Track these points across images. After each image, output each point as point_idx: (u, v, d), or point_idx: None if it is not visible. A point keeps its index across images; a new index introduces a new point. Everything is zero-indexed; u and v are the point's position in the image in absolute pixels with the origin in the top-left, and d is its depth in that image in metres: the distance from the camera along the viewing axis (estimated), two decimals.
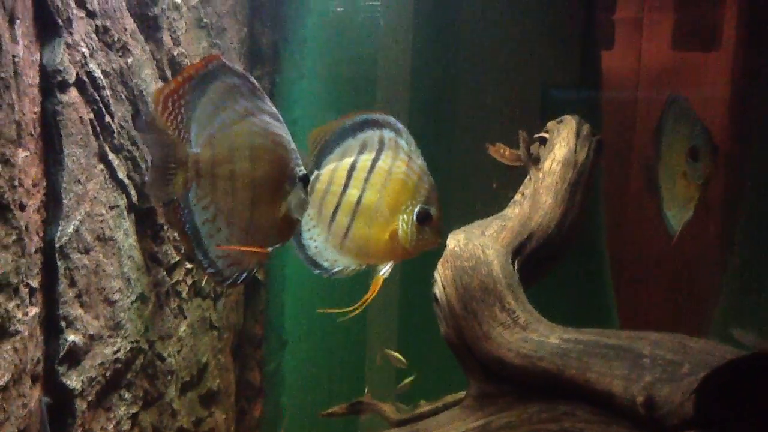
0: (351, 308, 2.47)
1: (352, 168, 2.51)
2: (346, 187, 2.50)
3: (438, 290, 2.63)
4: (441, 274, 2.64)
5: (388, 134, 2.49)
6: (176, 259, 3.30)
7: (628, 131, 4.94)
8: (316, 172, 2.57)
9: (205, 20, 3.53)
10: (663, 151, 3.23)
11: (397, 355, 4.05)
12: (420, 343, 4.51)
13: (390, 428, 2.91)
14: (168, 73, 3.26)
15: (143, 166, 3.06)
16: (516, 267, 2.69)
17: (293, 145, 2.36)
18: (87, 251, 2.69)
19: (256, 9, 4.13)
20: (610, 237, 4.58)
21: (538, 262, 2.91)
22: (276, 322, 4.39)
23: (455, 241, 2.69)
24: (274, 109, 2.35)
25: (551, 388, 2.24)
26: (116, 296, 2.84)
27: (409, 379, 4.07)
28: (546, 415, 2.21)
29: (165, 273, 3.24)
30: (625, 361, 2.08)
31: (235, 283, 2.26)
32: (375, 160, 2.48)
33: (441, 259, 2.68)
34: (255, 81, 2.35)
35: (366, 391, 3.22)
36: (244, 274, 2.19)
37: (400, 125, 2.50)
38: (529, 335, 2.39)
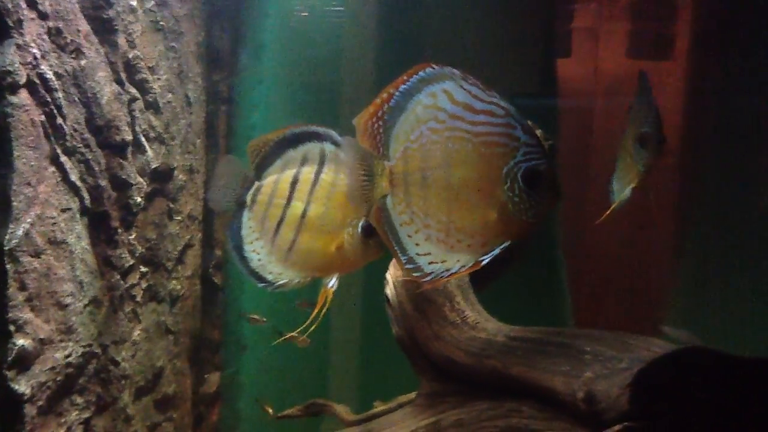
0: (304, 326, 2.48)
1: (295, 180, 2.51)
2: (289, 199, 2.50)
3: (389, 291, 2.66)
4: (393, 275, 2.67)
5: (329, 147, 2.51)
6: (131, 263, 3.28)
7: (585, 137, 5.02)
8: (257, 183, 2.56)
9: (161, 23, 3.53)
10: (629, 125, 3.29)
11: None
12: (383, 345, 4.53)
13: (344, 428, 2.93)
14: (123, 75, 3.25)
15: (97, 168, 3.04)
16: None
17: (515, 142, 2.14)
18: (38, 254, 2.67)
19: (214, 13, 4.12)
20: (565, 240, 4.66)
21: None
22: (234, 326, 4.37)
23: None
24: (499, 101, 2.17)
25: (499, 385, 2.29)
26: (68, 300, 2.81)
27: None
28: (493, 412, 2.26)
29: (119, 277, 3.22)
30: (567, 358, 2.13)
31: (437, 279, 2.23)
32: (318, 173, 2.48)
33: (393, 260, 2.71)
34: (474, 81, 2.19)
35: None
36: (447, 272, 2.17)
37: (340, 138, 2.51)
38: (478, 334, 2.43)
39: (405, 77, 2.19)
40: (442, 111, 2.11)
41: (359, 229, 2.44)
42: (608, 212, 3.10)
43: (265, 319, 3.72)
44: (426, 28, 4.80)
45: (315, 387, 4.53)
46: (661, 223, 4.55)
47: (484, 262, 2.12)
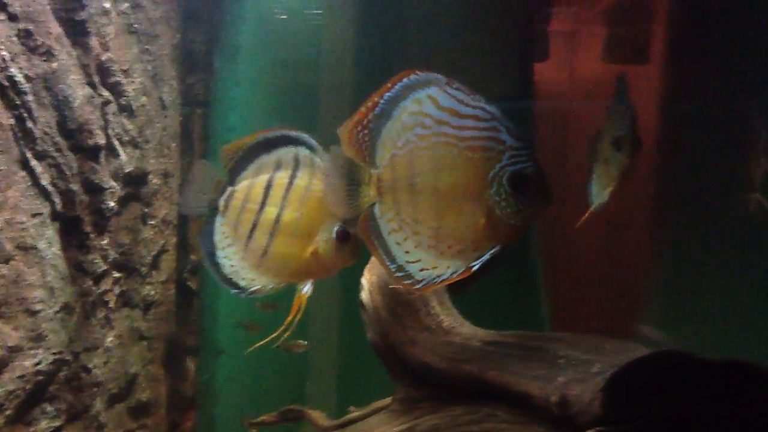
0: (278, 332, 2.45)
1: (269, 185, 2.48)
2: (263, 204, 2.48)
3: (365, 296, 2.64)
4: (368, 279, 2.65)
5: (303, 151, 2.48)
6: (103, 268, 3.24)
7: (561, 140, 5.05)
8: (230, 189, 2.53)
9: (135, 26, 3.49)
10: (606, 129, 3.30)
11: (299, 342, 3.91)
12: (360, 350, 4.51)
13: None
14: (96, 78, 3.20)
15: (68, 173, 3.00)
16: None
17: (501, 146, 2.12)
18: (7, 260, 2.63)
19: (190, 15, 4.09)
20: (542, 243, 4.68)
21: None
22: (210, 331, 4.33)
23: None
24: (484, 105, 2.14)
25: (474, 390, 2.28)
26: (38, 306, 2.77)
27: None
28: (468, 417, 2.25)
29: (92, 282, 3.17)
30: (542, 362, 2.13)
31: (428, 286, 2.21)
32: (292, 178, 2.46)
33: (368, 265, 2.69)
34: (458, 85, 2.17)
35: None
36: (438, 279, 2.15)
37: (315, 142, 2.48)
38: (453, 339, 2.42)
39: (390, 84, 2.18)
40: (428, 117, 2.11)
41: (334, 234, 2.42)
42: (586, 215, 3.11)
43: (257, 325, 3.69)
44: (403, 31, 4.80)
45: (291, 393, 4.50)
46: (637, 225, 4.59)
47: (474, 268, 2.11)
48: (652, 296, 4.63)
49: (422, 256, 2.13)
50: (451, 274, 2.11)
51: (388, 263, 2.15)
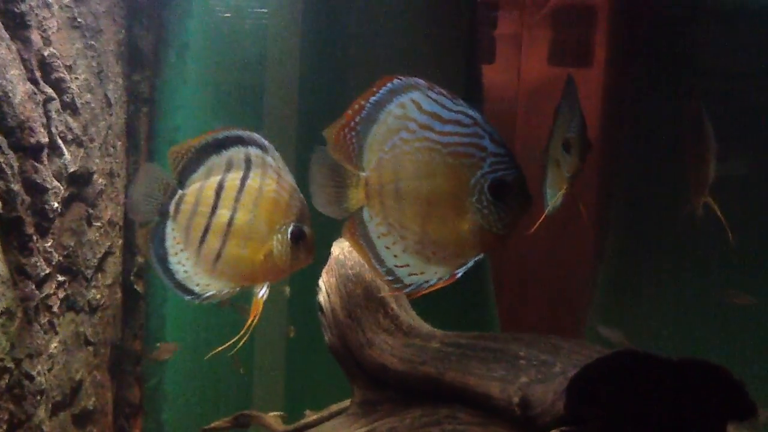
0: (236, 338, 2.40)
1: (220, 187, 2.43)
2: (215, 207, 2.42)
3: (322, 299, 2.62)
4: (325, 282, 2.63)
5: (254, 151, 2.43)
6: (47, 272, 3.11)
7: (508, 141, 5.10)
8: (180, 192, 2.47)
9: (79, 20, 3.37)
10: (554, 132, 3.33)
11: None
12: (309, 353, 4.47)
13: None
14: (37, 74, 3.08)
15: (9, 172, 2.87)
16: None
17: (482, 152, 2.11)
18: None
19: (136, 11, 3.98)
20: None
21: None
22: (156, 336, 4.23)
23: (340, 249, 2.69)
24: (466, 109, 2.15)
25: (433, 392, 2.28)
26: None
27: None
28: (427, 419, 2.25)
29: (34, 286, 3.05)
30: (502, 363, 2.15)
31: (417, 290, 2.16)
32: (244, 179, 2.41)
33: (326, 267, 2.67)
34: (440, 90, 2.19)
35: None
36: (426, 284, 2.10)
37: (266, 142, 2.45)
38: (412, 340, 2.42)
39: (374, 88, 2.19)
40: (412, 121, 2.11)
41: (288, 235, 2.38)
42: (541, 219, 3.14)
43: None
44: (350, 30, 4.79)
45: (240, 397, 4.44)
46: (583, 225, 4.69)
47: (459, 275, 2.12)
48: (598, 294, 4.74)
49: (410, 260, 2.13)
50: (438, 280, 2.12)
51: (377, 266, 2.14)
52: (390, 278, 2.13)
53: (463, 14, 5.08)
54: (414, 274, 2.14)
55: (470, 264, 2.12)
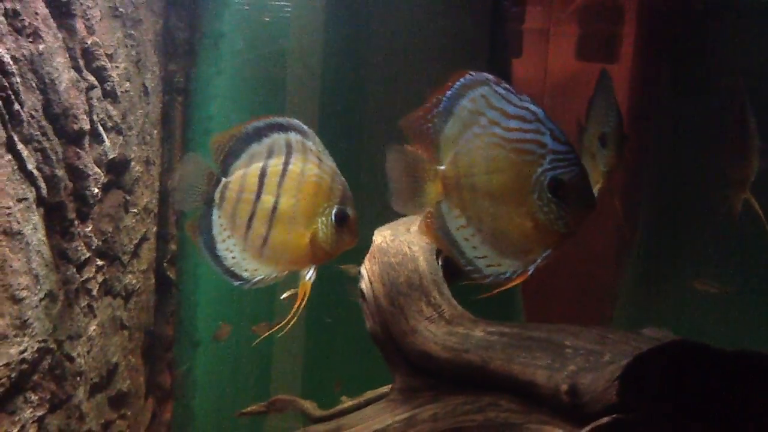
0: (284, 322, 2.43)
1: (263, 173, 2.45)
2: (259, 193, 2.45)
3: (365, 286, 2.65)
4: (368, 269, 2.66)
5: (294, 137, 2.46)
6: (87, 256, 3.16)
7: None
8: (224, 180, 2.50)
9: (120, 9, 3.41)
10: (589, 127, 3.32)
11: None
12: (330, 341, 4.51)
13: (310, 425, 2.90)
14: (81, 62, 3.12)
15: (53, 158, 2.92)
16: (440, 263, 2.74)
17: (543, 149, 2.11)
18: None
19: (172, 2, 4.02)
20: None
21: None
22: (188, 322, 4.27)
23: (382, 237, 2.71)
24: (530, 105, 2.16)
25: (477, 380, 2.30)
26: (23, 294, 2.69)
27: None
28: (470, 407, 2.27)
29: (75, 270, 3.10)
30: (547, 351, 2.17)
31: (496, 280, 2.20)
32: (286, 164, 2.43)
33: (368, 255, 2.69)
34: (506, 85, 2.21)
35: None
36: (503, 276, 2.13)
37: (305, 127, 2.47)
38: (455, 329, 2.44)
39: (450, 83, 2.21)
40: (483, 116, 2.13)
41: (332, 218, 2.41)
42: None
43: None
44: (376, 26, 4.80)
45: (270, 384, 4.48)
46: (612, 220, 4.68)
47: (530, 272, 2.13)
48: (625, 292, 4.73)
49: (488, 252, 2.15)
50: (512, 274, 2.14)
51: (458, 257, 2.16)
52: (470, 268, 2.15)
53: (491, 7, 5.08)
54: (492, 266, 2.15)
55: (539, 261, 2.13)
